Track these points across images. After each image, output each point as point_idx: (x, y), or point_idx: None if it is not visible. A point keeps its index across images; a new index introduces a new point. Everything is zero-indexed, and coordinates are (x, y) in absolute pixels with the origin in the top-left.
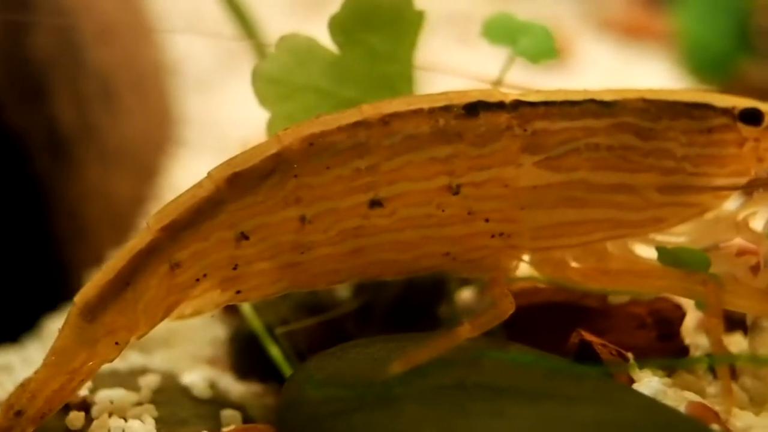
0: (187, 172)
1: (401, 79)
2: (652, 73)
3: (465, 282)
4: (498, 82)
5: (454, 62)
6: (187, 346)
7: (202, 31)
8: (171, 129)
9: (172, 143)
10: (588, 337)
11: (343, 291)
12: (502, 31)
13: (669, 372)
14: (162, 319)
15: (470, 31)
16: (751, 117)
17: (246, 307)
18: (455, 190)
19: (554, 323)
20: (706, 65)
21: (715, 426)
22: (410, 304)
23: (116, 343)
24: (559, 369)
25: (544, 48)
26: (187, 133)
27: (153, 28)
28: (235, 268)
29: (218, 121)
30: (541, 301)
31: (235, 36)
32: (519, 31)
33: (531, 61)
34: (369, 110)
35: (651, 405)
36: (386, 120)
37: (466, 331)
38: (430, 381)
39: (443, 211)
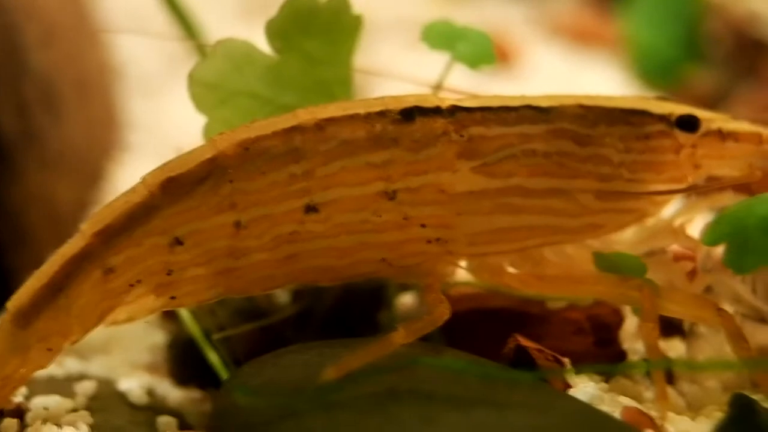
0: (132, 177)
1: (339, 84)
2: (601, 79)
3: (405, 287)
4: (437, 87)
5: (403, 67)
6: (126, 353)
7: (147, 33)
8: (116, 133)
9: (118, 147)
10: (524, 342)
11: (282, 296)
12: (441, 37)
13: (606, 377)
14: (96, 325)
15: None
16: (688, 124)
17: (184, 313)
18: (391, 196)
19: (492, 329)
20: (655, 71)
21: (648, 431)
22: (349, 309)
23: (49, 350)
24: (492, 375)
25: (482, 53)
26: (132, 137)
27: (98, 30)
28: (169, 274)
29: (164, 125)
30: (479, 307)
31: (180, 39)
32: (458, 37)
33: (469, 66)
34: (304, 115)
35: (585, 411)
36: (321, 125)
37: (400, 337)
38: (363, 387)
39: (379, 216)
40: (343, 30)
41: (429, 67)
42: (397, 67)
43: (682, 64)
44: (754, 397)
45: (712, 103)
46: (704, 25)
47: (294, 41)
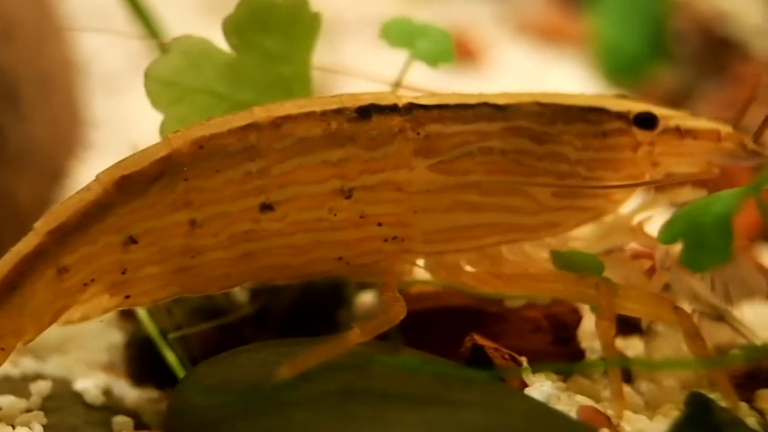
0: (94, 175)
1: (297, 81)
2: (567, 77)
3: (364, 286)
4: (397, 85)
5: (368, 65)
6: (83, 352)
7: (110, 31)
8: (79, 131)
9: (80, 145)
10: (480, 341)
11: (240, 295)
12: (400, 34)
13: (564, 376)
14: (50, 324)
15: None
16: (646, 121)
17: (142, 312)
18: (347, 194)
19: (451, 327)
20: (621, 69)
21: (605, 430)
22: (308, 308)
23: (2, 349)
24: (447, 374)
25: (441, 51)
26: (94, 134)
27: (60, 28)
28: (123, 273)
29: (126, 122)
30: (438, 306)
31: (142, 36)
32: (417, 34)
33: (428, 64)
34: (260, 113)
35: (539, 409)
36: (278, 123)
37: (356, 335)
38: (318, 386)
39: (335, 215)
40: (301, 27)
41: (394, 65)
42: (362, 65)
43: (648, 62)
44: (711, 395)
45: (677, 100)
46: (671, 23)
47: (251, 38)
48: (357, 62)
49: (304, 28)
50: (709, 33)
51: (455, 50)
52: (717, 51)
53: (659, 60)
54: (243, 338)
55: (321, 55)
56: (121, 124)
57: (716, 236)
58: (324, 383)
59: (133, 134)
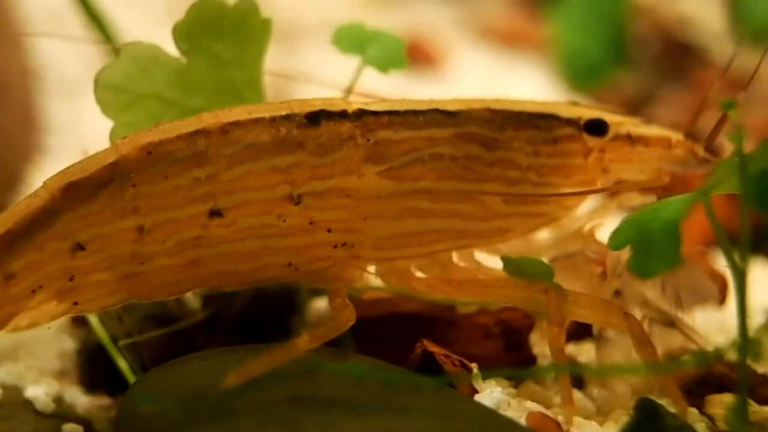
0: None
1: (248, 86)
2: (528, 82)
3: (317, 292)
4: (349, 91)
5: (328, 70)
6: (34, 359)
7: (66, 36)
8: (34, 136)
9: (35, 150)
10: (430, 347)
11: (193, 301)
12: (352, 40)
13: (515, 382)
14: None
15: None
16: (596, 128)
17: (93, 319)
18: (296, 200)
19: (402, 334)
20: (581, 74)
21: None
22: (260, 314)
23: None
24: (394, 380)
25: (392, 57)
26: (50, 140)
27: (16, 33)
28: (71, 279)
29: (82, 128)
30: (390, 312)
31: (99, 42)
32: (369, 41)
33: (379, 70)
34: (209, 119)
35: (487, 416)
36: (226, 129)
37: (304, 342)
38: (265, 393)
39: (284, 221)
40: (252, 32)
41: (354, 71)
42: (322, 70)
43: (609, 67)
44: (661, 401)
45: (637, 105)
46: (632, 28)
47: (202, 44)
48: (317, 67)
49: (255, 33)
50: (670, 38)
51: (416, 55)
52: (678, 56)
53: (620, 65)
54: (195, 345)
55: (279, 60)
56: (77, 130)
57: (665, 242)
58: (271, 390)
59: (89, 140)
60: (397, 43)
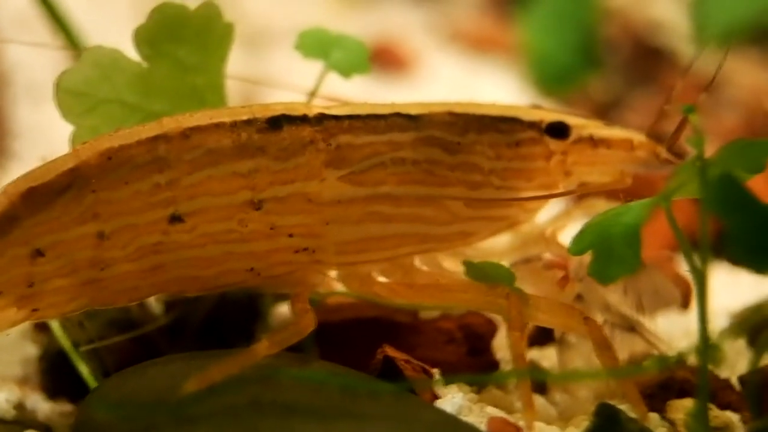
0: None
1: (211, 91)
2: (497, 86)
3: (281, 297)
4: (312, 95)
5: (298, 74)
6: None
7: (33, 42)
8: (1, 141)
9: (2, 155)
10: (391, 353)
11: (156, 306)
12: (315, 45)
13: (478, 387)
14: None
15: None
16: (558, 130)
17: (55, 325)
18: (257, 206)
19: (365, 339)
20: (551, 79)
21: None
22: (224, 320)
23: None
24: (353, 386)
25: (356, 62)
26: (16, 144)
27: None
28: (30, 286)
29: (49, 133)
30: (353, 317)
31: (65, 46)
32: (332, 45)
33: (342, 75)
34: (169, 124)
35: (447, 422)
36: (187, 134)
37: (264, 348)
38: (224, 399)
39: (245, 226)
40: (214, 37)
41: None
42: (292, 75)
43: (579, 72)
44: (622, 406)
45: (607, 109)
46: (602, 32)
47: (164, 48)
48: (287, 72)
49: (218, 37)
50: (640, 42)
51: (386, 59)
52: (648, 60)
53: (590, 69)
54: (158, 350)
55: (249, 64)
56: (44, 135)
57: (625, 247)
58: (230, 396)
59: (56, 145)
60: (361, 48)
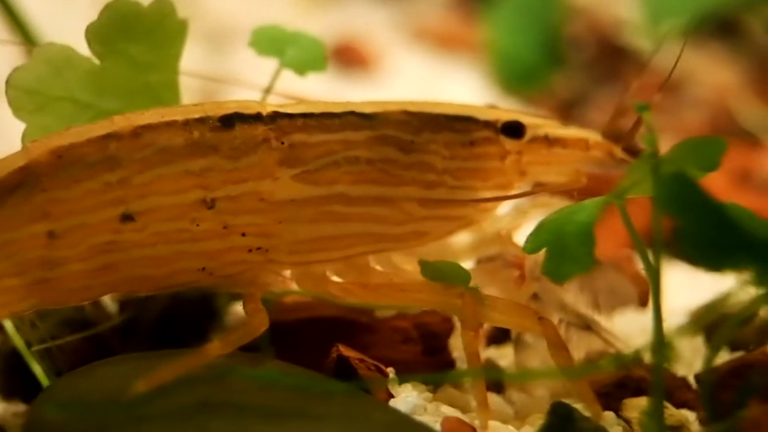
0: None
1: (165, 89)
2: (462, 85)
3: (236, 296)
4: (267, 93)
5: (262, 72)
6: None
7: None
8: None
9: None
10: (345, 352)
11: (111, 306)
12: (270, 42)
13: (434, 387)
14: None
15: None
16: (514, 130)
17: (8, 324)
18: (210, 204)
19: (321, 338)
20: (515, 77)
21: None
22: (178, 319)
23: None
24: (305, 386)
25: (311, 59)
26: None
27: None
28: None
29: (5, 131)
30: (308, 317)
31: (21, 42)
32: (287, 42)
33: (297, 73)
34: (121, 122)
35: (400, 421)
36: (138, 132)
37: (215, 348)
38: (175, 400)
39: (198, 225)
40: (168, 34)
41: (286, 74)
42: (255, 72)
43: (543, 70)
44: (577, 405)
45: (571, 107)
46: (566, 30)
47: (116, 46)
48: (250, 69)
49: (172, 35)
50: (605, 40)
51: (350, 57)
52: (613, 58)
53: (554, 68)
54: (111, 350)
55: (212, 61)
56: (2, 132)
57: (578, 246)
58: (180, 397)
59: (8, 143)
60: (317, 46)
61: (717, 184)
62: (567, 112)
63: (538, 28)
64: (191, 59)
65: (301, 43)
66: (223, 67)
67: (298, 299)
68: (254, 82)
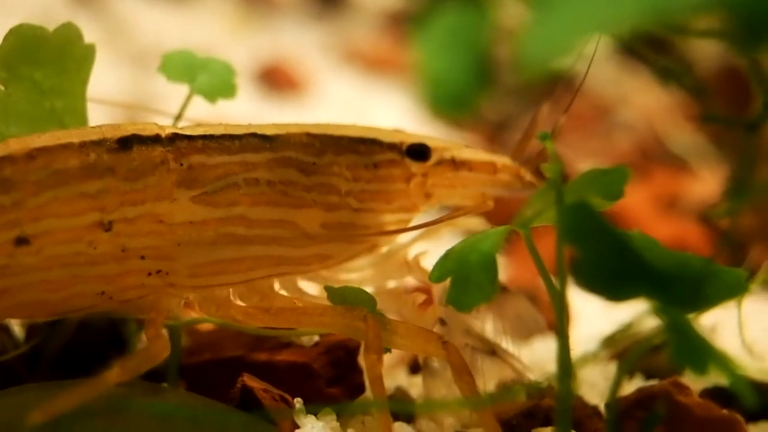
0: None
1: (70, 114)
2: (390, 107)
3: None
4: (178, 118)
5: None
6: None
7: None
8: None
9: None
10: (250, 382)
11: (19, 332)
12: (180, 68)
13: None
14: None
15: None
16: (419, 153)
17: None
18: (107, 227)
19: (227, 368)
20: (443, 100)
21: None
22: (85, 347)
23: None
24: (199, 418)
25: (221, 86)
26: None
27: None
28: None
29: None
30: (210, 359)
31: None
32: (198, 68)
33: (207, 99)
34: (15, 145)
35: None
36: (33, 154)
37: (114, 375)
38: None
39: (95, 248)
40: (73, 60)
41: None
42: (181, 94)
43: (472, 93)
44: None
45: (500, 130)
46: (496, 53)
47: (21, 71)
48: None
49: (78, 60)
50: None
51: (279, 79)
52: (545, 81)
53: (483, 91)
54: (18, 378)
55: (140, 85)
56: None
57: (481, 274)
58: (78, 429)
59: None
60: (228, 72)
61: (642, 209)
62: (496, 135)
63: (466, 50)
64: (119, 81)
65: (212, 69)
66: (148, 89)
67: (203, 328)
68: (169, 109)
